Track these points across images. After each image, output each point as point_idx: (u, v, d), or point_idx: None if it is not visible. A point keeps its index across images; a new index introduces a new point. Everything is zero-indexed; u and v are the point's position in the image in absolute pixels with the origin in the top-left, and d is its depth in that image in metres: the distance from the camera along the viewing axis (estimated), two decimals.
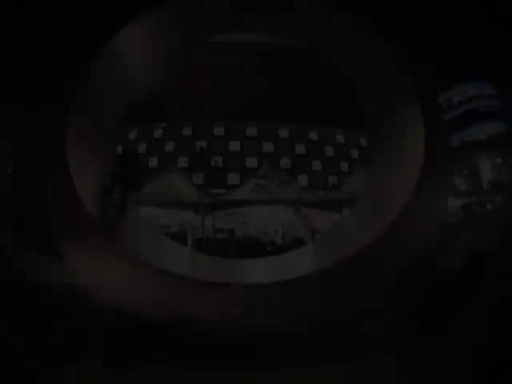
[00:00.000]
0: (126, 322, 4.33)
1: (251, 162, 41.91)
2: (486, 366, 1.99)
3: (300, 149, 44.79)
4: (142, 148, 44.84)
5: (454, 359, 3.25)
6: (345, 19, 5.18)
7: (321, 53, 7.01)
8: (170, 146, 44.81)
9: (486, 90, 52.97)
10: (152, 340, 4.28)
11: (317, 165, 43.88)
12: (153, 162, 43.52)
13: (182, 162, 36.94)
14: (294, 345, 4.08)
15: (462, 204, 18.55)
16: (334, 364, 3.85)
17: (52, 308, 4.55)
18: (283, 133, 45.61)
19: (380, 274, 4.39)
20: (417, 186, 4.49)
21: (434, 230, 4.64)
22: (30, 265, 5.89)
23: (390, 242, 4.45)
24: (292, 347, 4.06)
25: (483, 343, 3.03)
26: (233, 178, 38.21)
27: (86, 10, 5.01)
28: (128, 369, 3.71)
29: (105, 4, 5.08)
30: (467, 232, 6.57)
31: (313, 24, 5.80)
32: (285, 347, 4.10)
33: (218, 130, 45.13)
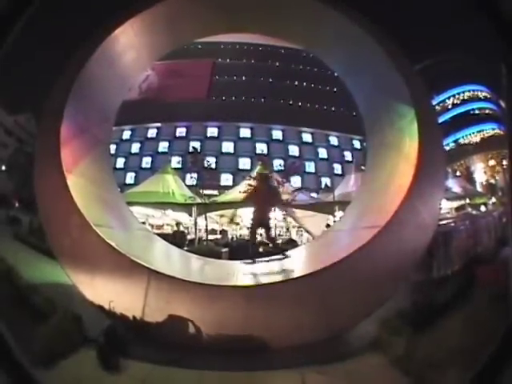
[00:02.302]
0: (118, 323, 4.27)
1: (244, 163, 41.99)
2: (475, 367, 1.98)
3: (293, 150, 44.95)
4: (135, 147, 44.79)
5: (443, 359, 3.25)
6: (344, 20, 5.18)
7: (317, 53, 7.01)
8: (163, 146, 44.73)
9: (480, 92, 53.69)
10: (143, 342, 4.24)
11: (310, 166, 44.06)
12: (146, 162, 43.54)
13: (175, 162, 36.71)
14: (289, 347, 4.06)
15: (455, 206, 18.72)
16: (327, 365, 3.82)
17: (41, 307, 4.49)
18: (277, 134, 45.72)
19: (371, 276, 4.36)
20: (410, 188, 4.49)
21: (427, 233, 4.63)
22: (22, 263, 5.80)
23: (382, 244, 4.43)
24: (287, 350, 4.04)
25: (471, 344, 3.03)
26: (226, 178, 38.18)
27: (85, 7, 4.97)
28: (118, 370, 3.64)
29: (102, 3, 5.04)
30: (460, 234, 6.61)
31: (311, 24, 5.81)
32: (280, 349, 4.09)
33: (212, 131, 45.11)
